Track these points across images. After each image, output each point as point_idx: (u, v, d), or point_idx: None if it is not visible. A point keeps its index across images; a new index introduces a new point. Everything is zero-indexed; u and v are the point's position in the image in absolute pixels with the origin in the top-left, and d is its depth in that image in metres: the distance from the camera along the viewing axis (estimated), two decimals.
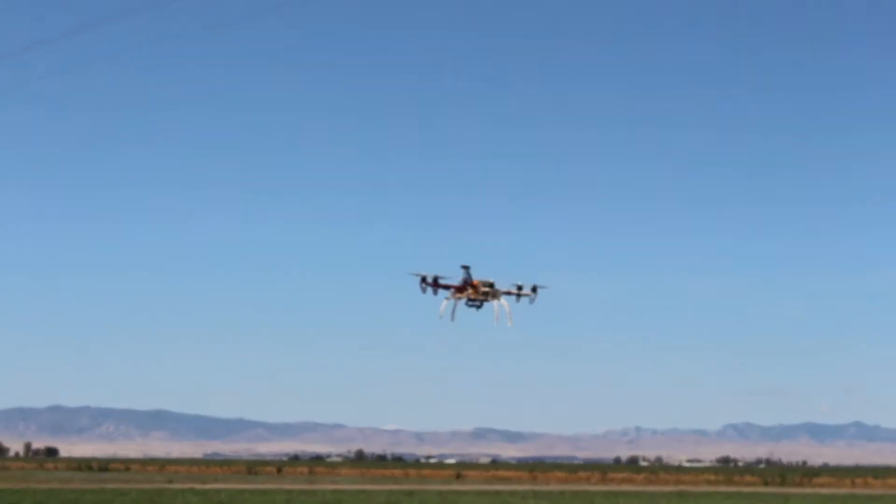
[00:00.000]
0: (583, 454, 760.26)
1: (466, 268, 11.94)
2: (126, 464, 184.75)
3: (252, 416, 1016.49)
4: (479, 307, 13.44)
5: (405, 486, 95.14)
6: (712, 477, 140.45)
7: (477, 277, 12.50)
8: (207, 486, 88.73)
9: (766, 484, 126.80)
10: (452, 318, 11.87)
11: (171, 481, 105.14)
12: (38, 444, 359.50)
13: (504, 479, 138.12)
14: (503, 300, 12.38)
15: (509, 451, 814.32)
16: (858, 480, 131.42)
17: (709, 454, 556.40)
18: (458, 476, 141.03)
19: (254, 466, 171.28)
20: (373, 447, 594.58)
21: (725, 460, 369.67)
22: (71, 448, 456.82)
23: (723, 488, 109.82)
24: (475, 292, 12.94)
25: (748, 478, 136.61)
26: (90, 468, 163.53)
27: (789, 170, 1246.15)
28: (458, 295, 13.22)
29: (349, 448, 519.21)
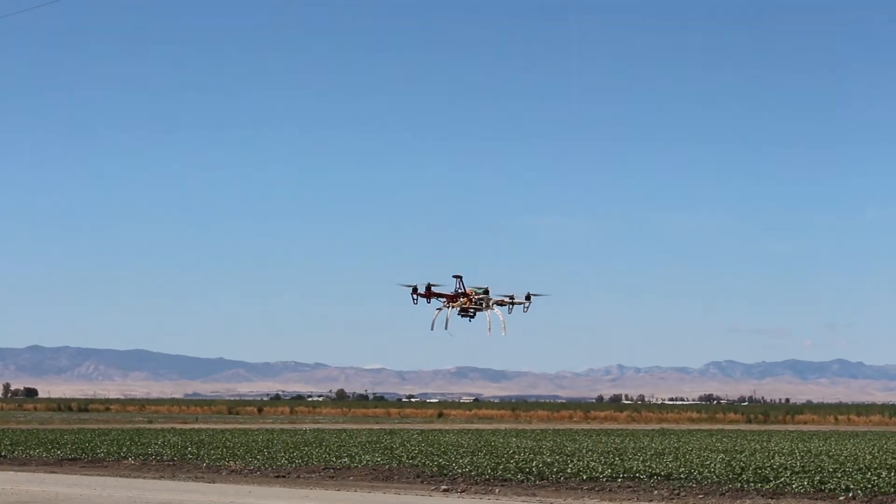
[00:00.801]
0: (565, 393, 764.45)
1: (459, 277, 11.53)
2: (106, 404, 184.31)
3: (232, 356, 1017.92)
4: (472, 317, 13.00)
5: (387, 426, 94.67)
6: (695, 415, 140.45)
7: (469, 286, 12.04)
8: (188, 426, 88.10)
9: (748, 421, 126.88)
10: (447, 328, 11.55)
11: (151, 421, 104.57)
12: (17, 385, 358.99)
13: (486, 417, 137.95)
14: (497, 309, 12.01)
15: (491, 391, 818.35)
16: (841, 417, 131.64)
17: (692, 392, 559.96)
18: (440, 415, 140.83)
19: (234, 406, 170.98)
20: (354, 387, 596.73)
21: (708, 398, 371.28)
22: (50, 389, 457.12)
23: (706, 426, 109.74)
24: (469, 301, 12.53)
25: (731, 415, 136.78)
26: (70, 408, 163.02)
27: (773, 107, 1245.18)
28: (452, 304, 12.78)
29: (330, 388, 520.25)
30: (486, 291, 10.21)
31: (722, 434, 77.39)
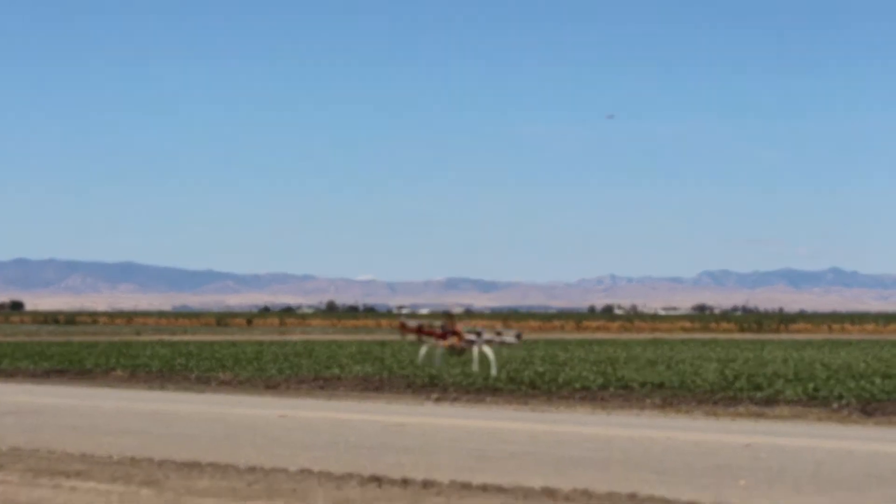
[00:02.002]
0: (557, 303, 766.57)
1: (449, 315, 11.11)
2: (93, 316, 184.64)
3: (221, 267, 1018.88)
4: (460, 354, 12.65)
5: (377, 337, 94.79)
6: (688, 324, 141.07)
7: (459, 322, 11.66)
8: (177, 338, 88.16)
9: (742, 330, 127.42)
10: (438, 363, 11.10)
11: (139, 333, 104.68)
12: (3, 298, 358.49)
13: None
14: (485, 348, 11.70)
15: (482, 301, 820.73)
16: (835, 326, 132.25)
17: (684, 302, 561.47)
18: None
19: (223, 318, 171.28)
20: (345, 298, 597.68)
21: (701, 308, 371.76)
22: (37, 301, 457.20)
23: (698, 335, 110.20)
24: (458, 339, 12.21)
25: (724, 325, 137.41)
26: (57, 321, 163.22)
27: (765, 9, 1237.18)
28: (442, 343, 12.46)
29: (320, 299, 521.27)
30: (479, 333, 10.03)
31: (715, 343, 77.60)
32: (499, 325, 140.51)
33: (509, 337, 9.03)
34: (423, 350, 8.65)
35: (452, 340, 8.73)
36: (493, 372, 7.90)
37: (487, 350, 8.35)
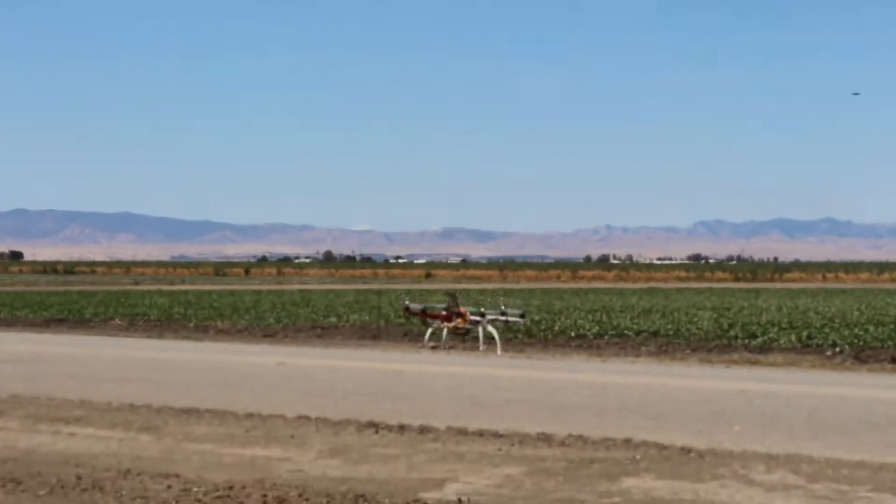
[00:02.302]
0: (553, 253, 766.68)
1: (452, 295, 11.04)
2: (92, 266, 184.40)
3: (219, 217, 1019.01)
4: (464, 334, 12.64)
5: (374, 286, 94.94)
6: (683, 273, 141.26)
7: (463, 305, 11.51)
8: (175, 288, 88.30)
9: (737, 280, 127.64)
10: (444, 346, 11.12)
11: (137, 283, 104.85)
12: (2, 248, 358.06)
13: (474, 277, 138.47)
14: (490, 328, 11.70)
15: (479, 251, 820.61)
16: (829, 275, 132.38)
17: (680, 252, 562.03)
18: (428, 275, 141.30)
19: (221, 268, 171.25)
20: (341, 248, 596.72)
21: (696, 257, 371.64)
22: (36, 251, 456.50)
23: (693, 284, 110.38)
24: (463, 321, 12.20)
25: (719, 274, 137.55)
26: (56, 271, 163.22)
27: None
28: (447, 325, 12.43)
29: (318, 249, 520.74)
30: (482, 314, 10.11)
31: (710, 292, 77.82)
32: (495, 275, 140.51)
33: (514, 316, 9.13)
34: (429, 332, 8.76)
35: (457, 322, 8.83)
36: (499, 352, 8.05)
37: (492, 329, 8.48)
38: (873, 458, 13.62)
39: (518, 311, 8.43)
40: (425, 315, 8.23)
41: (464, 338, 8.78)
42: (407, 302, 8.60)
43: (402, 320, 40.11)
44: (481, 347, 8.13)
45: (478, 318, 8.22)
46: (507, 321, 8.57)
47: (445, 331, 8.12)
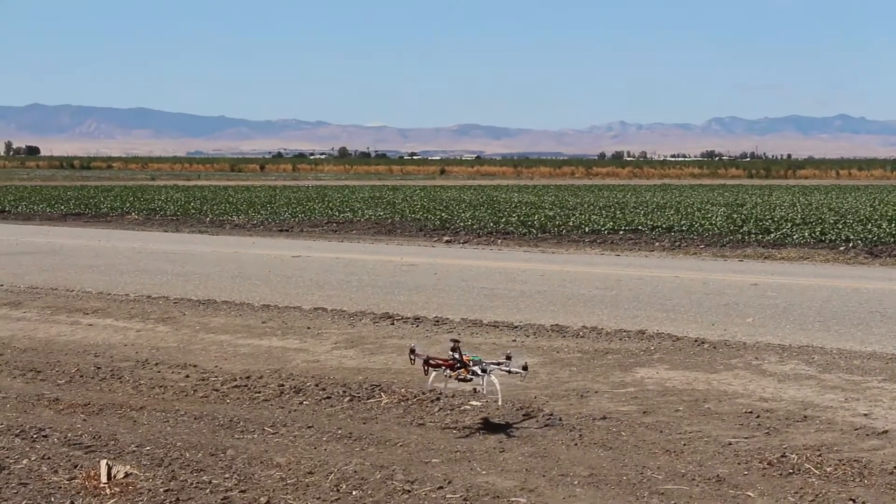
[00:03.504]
0: (567, 150, 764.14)
1: (456, 342, 10.94)
2: (108, 162, 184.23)
3: (234, 114, 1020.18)
4: (467, 382, 12.44)
5: (389, 182, 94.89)
6: (697, 170, 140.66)
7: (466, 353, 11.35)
8: (191, 183, 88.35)
9: (750, 176, 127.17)
10: (445, 389, 10.91)
11: (153, 179, 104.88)
12: (19, 143, 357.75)
13: (488, 174, 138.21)
14: (493, 378, 11.37)
15: (494, 148, 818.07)
16: (843, 172, 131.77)
17: (694, 149, 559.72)
18: (442, 172, 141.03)
19: (237, 164, 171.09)
20: (356, 144, 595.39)
21: (710, 154, 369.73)
22: (52, 147, 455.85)
23: (707, 181, 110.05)
24: (466, 371, 11.94)
25: (733, 171, 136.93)
26: (72, 166, 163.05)
27: None
28: (451, 373, 12.11)
29: (332, 146, 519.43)
30: (485, 370, 10.03)
31: (723, 189, 77.64)
32: (509, 171, 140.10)
33: (515, 368, 9.22)
34: (432, 376, 8.87)
35: (461, 372, 8.93)
36: (499, 402, 8.12)
37: (494, 380, 8.57)
38: (885, 348, 13.72)
39: (520, 364, 8.54)
40: (429, 365, 8.36)
41: (466, 383, 8.97)
42: (414, 345, 8.76)
43: (417, 216, 40.20)
44: (484, 393, 8.28)
45: (479, 372, 8.33)
46: (509, 371, 8.67)
47: (447, 380, 8.28)
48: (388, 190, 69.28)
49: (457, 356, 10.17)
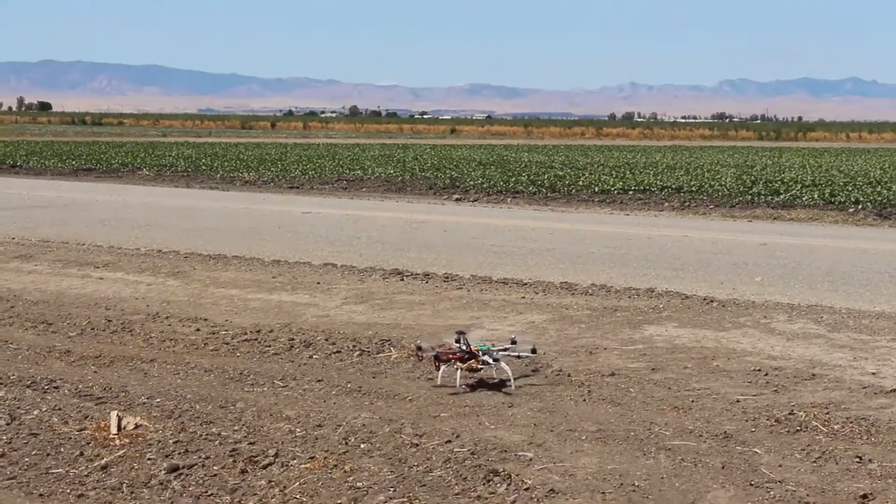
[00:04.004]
0: (578, 111, 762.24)
1: (462, 333, 10.88)
2: (119, 118, 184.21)
3: (245, 71, 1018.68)
4: (477, 371, 12.38)
5: (399, 141, 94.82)
6: (707, 132, 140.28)
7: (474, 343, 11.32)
8: (202, 140, 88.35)
9: (760, 139, 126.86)
10: (459, 385, 10.91)
11: (165, 135, 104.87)
12: (31, 99, 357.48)
13: (498, 134, 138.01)
14: (503, 365, 11.36)
15: (504, 108, 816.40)
16: (853, 135, 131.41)
17: (704, 110, 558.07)
18: (453, 131, 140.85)
19: (247, 121, 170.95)
20: (367, 103, 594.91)
21: (721, 116, 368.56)
22: (63, 102, 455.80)
23: (717, 143, 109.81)
24: (476, 362, 11.89)
25: (743, 133, 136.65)
26: (84, 122, 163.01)
27: None
28: (461, 366, 12.01)
29: (343, 104, 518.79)
30: (496, 359, 10.04)
31: (733, 150, 77.50)
32: (520, 131, 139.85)
33: (525, 352, 9.22)
34: (442, 370, 8.84)
35: (470, 363, 8.94)
36: (513, 387, 8.12)
37: (505, 366, 8.59)
38: (894, 308, 13.73)
39: (529, 346, 8.50)
40: (439, 360, 8.30)
41: (476, 373, 8.91)
42: (420, 341, 8.71)
43: (428, 175, 40.20)
44: (494, 376, 8.25)
45: (489, 360, 8.32)
46: (518, 356, 8.66)
47: (459, 372, 8.19)
48: (398, 148, 69.24)
49: (464, 347, 10.18)
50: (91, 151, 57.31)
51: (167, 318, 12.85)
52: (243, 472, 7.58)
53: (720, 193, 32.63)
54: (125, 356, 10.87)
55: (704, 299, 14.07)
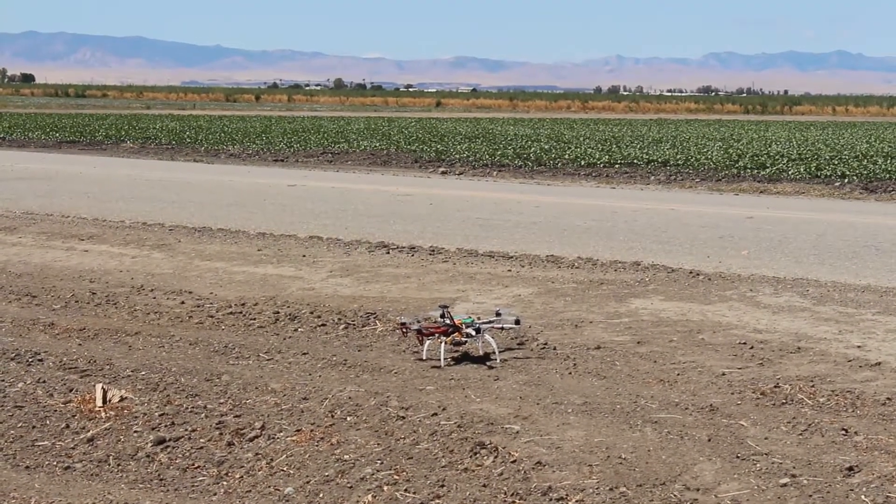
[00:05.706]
0: (563, 84, 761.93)
1: (445, 307, 10.85)
2: (103, 90, 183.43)
3: (230, 43, 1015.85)
4: (462, 345, 12.26)
5: (385, 114, 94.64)
6: (693, 105, 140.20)
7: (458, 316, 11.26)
8: (186, 112, 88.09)
9: (746, 112, 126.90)
10: (443, 362, 10.93)
11: (148, 107, 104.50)
12: (14, 71, 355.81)
13: (484, 107, 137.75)
14: (487, 337, 11.31)
15: (490, 81, 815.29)
16: (839, 108, 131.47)
17: (690, 84, 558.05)
18: (438, 104, 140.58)
19: (232, 94, 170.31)
20: (352, 76, 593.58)
21: (707, 90, 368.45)
22: (47, 74, 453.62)
23: (703, 116, 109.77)
24: (460, 335, 11.81)
25: (729, 106, 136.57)
26: (67, 94, 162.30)
27: None
28: (445, 339, 11.88)
29: (328, 77, 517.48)
30: (478, 330, 10.02)
31: (719, 124, 77.49)
32: (505, 104, 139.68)
33: (508, 324, 9.21)
34: (427, 344, 8.79)
35: (454, 335, 8.91)
36: (497, 360, 8.12)
37: (489, 338, 8.58)
38: (879, 282, 13.76)
39: (513, 318, 8.47)
40: (422, 335, 8.25)
41: (461, 346, 8.83)
42: (403, 318, 8.66)
43: (413, 148, 40.13)
44: (479, 352, 8.21)
45: (473, 332, 8.28)
46: (502, 328, 8.64)
47: (443, 346, 8.14)
48: (383, 121, 69.10)
49: (448, 321, 10.16)
50: (75, 124, 57.11)
51: (152, 290, 12.82)
52: (230, 444, 7.58)
53: (706, 167, 32.64)
54: (110, 329, 10.84)
55: (690, 272, 14.07)
